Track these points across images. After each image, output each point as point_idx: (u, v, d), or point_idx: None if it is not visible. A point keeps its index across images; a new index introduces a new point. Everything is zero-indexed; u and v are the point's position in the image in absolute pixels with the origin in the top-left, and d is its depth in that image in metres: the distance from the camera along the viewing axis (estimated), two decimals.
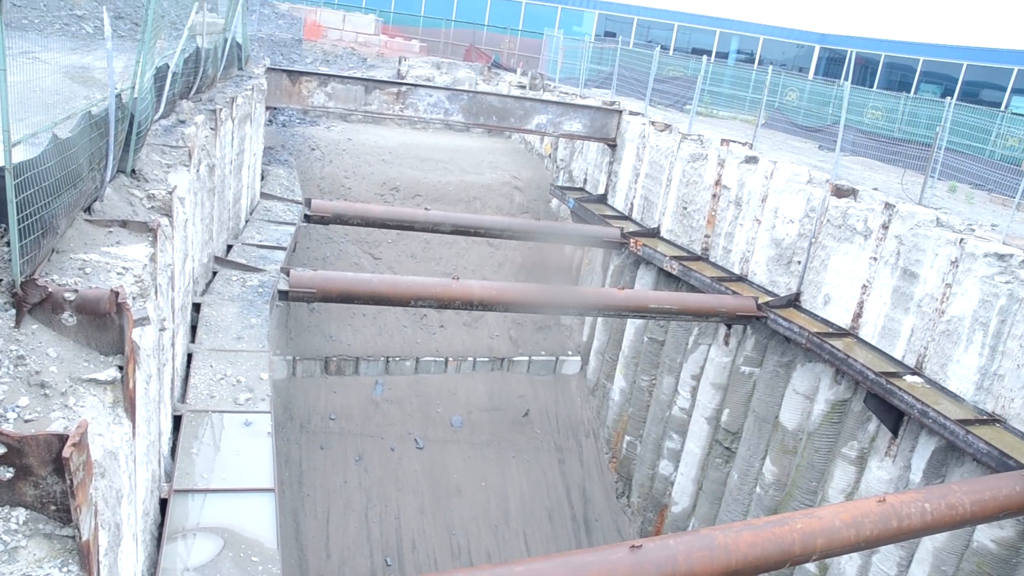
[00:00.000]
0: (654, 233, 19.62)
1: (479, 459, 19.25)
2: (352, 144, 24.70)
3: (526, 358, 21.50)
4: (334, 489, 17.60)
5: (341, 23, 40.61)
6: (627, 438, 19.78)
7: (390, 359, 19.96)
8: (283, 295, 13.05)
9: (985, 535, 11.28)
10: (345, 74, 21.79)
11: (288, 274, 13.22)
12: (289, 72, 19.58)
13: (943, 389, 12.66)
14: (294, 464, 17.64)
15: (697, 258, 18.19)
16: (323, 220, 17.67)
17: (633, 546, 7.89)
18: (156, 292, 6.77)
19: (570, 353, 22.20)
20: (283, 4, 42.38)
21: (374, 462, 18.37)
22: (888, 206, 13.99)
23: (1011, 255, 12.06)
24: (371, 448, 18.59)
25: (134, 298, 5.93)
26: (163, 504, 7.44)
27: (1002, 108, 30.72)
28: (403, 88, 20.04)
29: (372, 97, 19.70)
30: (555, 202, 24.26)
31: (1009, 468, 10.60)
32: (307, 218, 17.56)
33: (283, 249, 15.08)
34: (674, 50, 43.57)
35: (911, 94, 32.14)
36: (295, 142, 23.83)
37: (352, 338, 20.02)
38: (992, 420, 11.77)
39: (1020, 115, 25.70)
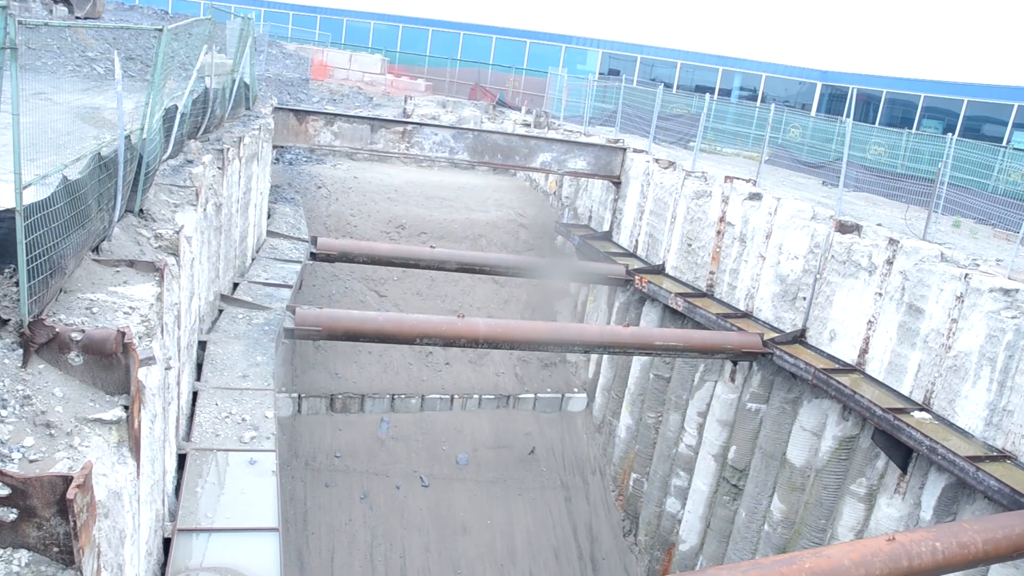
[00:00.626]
0: (659, 270, 19.65)
1: (485, 497, 19.10)
2: (358, 182, 24.89)
3: (532, 395, 21.43)
4: (339, 527, 17.47)
5: (348, 62, 41.15)
6: (634, 475, 19.63)
7: (396, 396, 19.92)
8: (289, 333, 13.08)
9: (1000, 575, 11.12)
10: (351, 113, 22.03)
11: (294, 312, 13.26)
12: (296, 111, 19.81)
13: (952, 425, 12.57)
14: (299, 502, 17.54)
15: (702, 295, 18.19)
16: (329, 258, 17.76)
17: None
18: (162, 331, 6.80)
19: (576, 390, 22.13)
20: (290, 44, 42.97)
21: (379, 500, 18.25)
22: (892, 242, 14.01)
23: (1017, 290, 12.05)
24: (376, 486, 18.48)
25: (140, 338, 5.96)
26: (167, 543, 7.40)
27: (1004, 143, 30.85)
28: (409, 127, 20.24)
29: (378, 136, 19.90)
30: (560, 239, 24.34)
31: (1022, 506, 10.49)
32: (313, 256, 17.66)
33: (289, 287, 15.15)
34: (677, 88, 43.97)
35: (913, 130, 32.32)
36: (301, 180, 24.03)
37: (357, 375, 20.00)
38: (1003, 456, 11.67)
39: (1022, 150, 25.79)
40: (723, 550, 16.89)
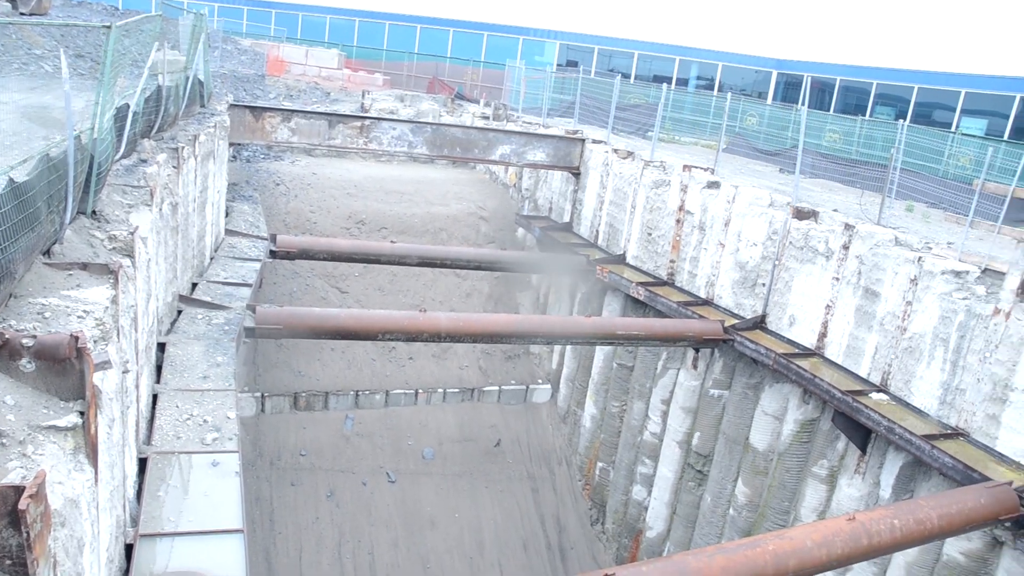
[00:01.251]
0: (620, 259, 19.76)
1: (452, 491, 19.12)
2: (317, 178, 24.68)
3: (496, 388, 21.47)
4: (306, 526, 17.38)
5: (304, 58, 40.69)
6: (599, 464, 19.77)
7: (360, 393, 19.83)
8: (250, 332, 12.95)
9: (954, 548, 11.40)
10: (309, 109, 21.81)
11: (254, 311, 13.13)
12: (252, 108, 19.57)
13: (908, 405, 12.84)
14: (265, 502, 17.40)
15: (663, 283, 18.33)
16: (289, 255, 17.59)
17: (607, 574, 7.87)
18: (118, 334, 6.69)
19: (540, 381, 22.20)
20: (245, 40, 42.40)
21: (346, 497, 18.18)
22: (848, 227, 14.24)
23: (967, 272, 12.33)
24: (342, 483, 18.40)
25: (95, 341, 5.87)
26: (129, 550, 7.30)
27: (952, 129, 31.48)
28: (367, 122, 20.10)
29: (336, 131, 19.73)
30: (521, 231, 24.37)
31: (974, 481, 10.75)
32: (273, 254, 17.47)
33: (249, 286, 14.98)
34: (635, 78, 44.18)
35: (866, 117, 32.83)
36: (260, 178, 23.76)
37: (321, 373, 19.88)
38: (956, 434, 11.95)
39: (969, 136, 26.35)
40: (690, 535, 17.09)
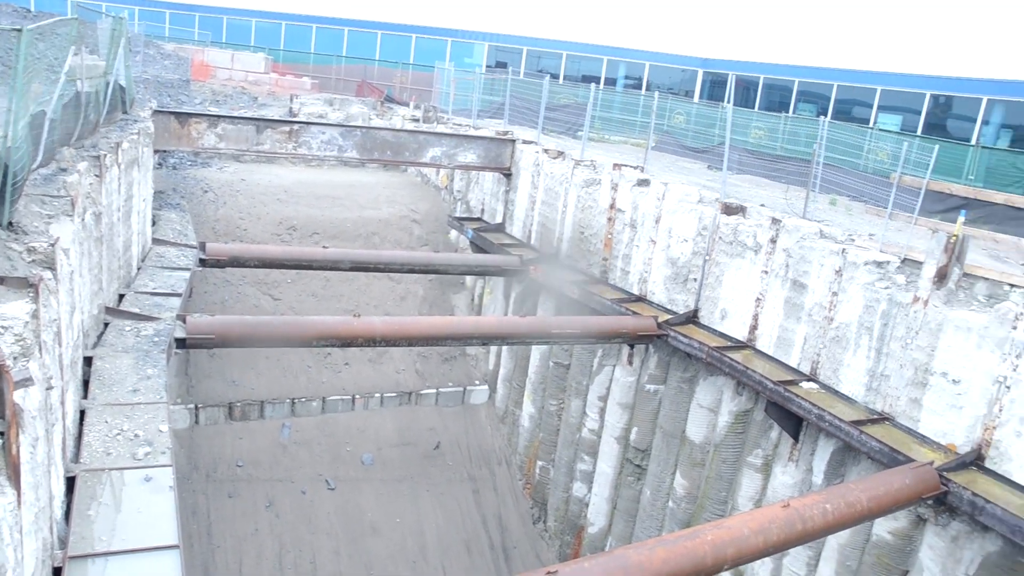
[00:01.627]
0: (554, 259, 19.87)
1: (392, 496, 18.99)
2: (246, 184, 24.25)
3: (434, 390, 21.40)
4: (245, 538, 17.06)
5: (230, 62, 39.99)
6: (539, 463, 19.87)
7: (296, 400, 19.55)
8: (180, 343, 12.66)
9: (882, 528, 11.79)
10: (236, 114, 21.44)
11: (184, 321, 12.85)
12: (177, 114, 19.13)
13: (837, 393, 13.22)
14: (202, 515, 17.03)
15: (597, 281, 18.51)
16: (219, 263, 17.25)
17: (549, 572, 7.92)
18: (40, 350, 6.48)
19: (477, 382, 22.20)
20: (168, 44, 41.40)
21: (285, 507, 17.90)
22: (775, 221, 14.59)
23: (888, 262, 12.77)
24: (281, 493, 18.12)
25: (15, 358, 5.67)
26: (58, 573, 7.07)
27: (870, 125, 32.53)
28: (295, 126, 19.83)
29: (264, 136, 19.42)
30: (454, 233, 24.33)
31: (899, 463, 11.13)
32: (202, 262, 17.10)
33: (178, 295, 14.63)
34: (564, 78, 44.47)
35: (789, 114, 33.67)
36: (187, 185, 23.24)
37: (256, 381, 19.54)
38: (882, 419, 12.36)
39: (886, 131, 27.26)
40: (631, 529, 17.30)
